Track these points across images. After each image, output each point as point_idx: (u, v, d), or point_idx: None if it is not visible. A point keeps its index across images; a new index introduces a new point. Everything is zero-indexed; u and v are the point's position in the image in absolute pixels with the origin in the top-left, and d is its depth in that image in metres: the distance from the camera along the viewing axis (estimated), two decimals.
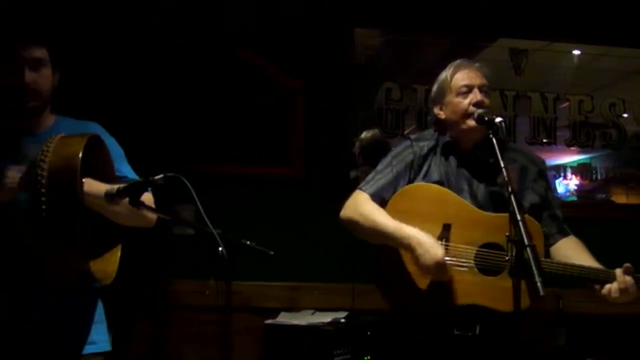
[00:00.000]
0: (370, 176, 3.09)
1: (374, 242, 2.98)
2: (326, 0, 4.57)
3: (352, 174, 4.51)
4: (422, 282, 2.88)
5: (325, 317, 3.98)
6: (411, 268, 2.90)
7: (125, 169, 2.78)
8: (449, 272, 2.79)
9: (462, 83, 2.99)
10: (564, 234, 3.04)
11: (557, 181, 4.84)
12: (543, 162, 3.16)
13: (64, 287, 2.53)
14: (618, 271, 2.77)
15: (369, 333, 3.90)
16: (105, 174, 2.60)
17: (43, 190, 2.30)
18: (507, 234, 2.58)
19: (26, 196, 2.38)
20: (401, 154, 3.07)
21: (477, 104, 2.93)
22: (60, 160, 2.34)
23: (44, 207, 2.29)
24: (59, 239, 2.33)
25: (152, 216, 2.72)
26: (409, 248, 2.81)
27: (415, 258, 2.79)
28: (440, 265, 2.74)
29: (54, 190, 2.30)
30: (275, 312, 4.13)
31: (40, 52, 2.65)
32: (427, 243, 2.77)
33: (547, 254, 2.93)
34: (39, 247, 2.36)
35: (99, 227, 2.57)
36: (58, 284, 2.48)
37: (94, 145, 2.47)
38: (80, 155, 2.35)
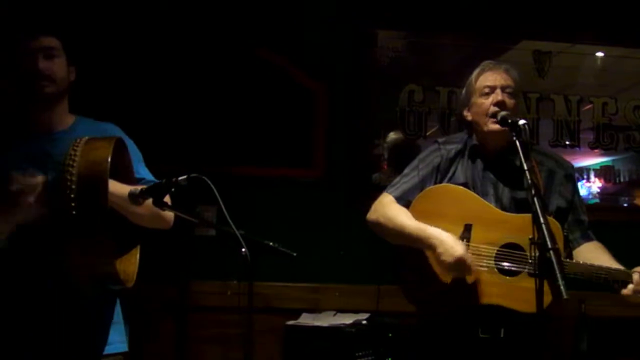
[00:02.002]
0: (396, 179, 3.13)
1: (397, 242, 3.01)
2: (349, 2, 4.57)
3: (374, 177, 4.51)
4: (443, 282, 2.90)
5: (347, 319, 3.97)
6: (434, 268, 2.92)
7: (143, 171, 2.80)
8: (471, 269, 2.80)
9: (484, 84, 3.01)
10: (587, 239, 3.04)
11: (579, 184, 4.81)
12: (571, 166, 3.17)
13: (90, 288, 2.55)
14: (636, 275, 2.78)
15: (390, 335, 3.89)
16: (125, 175, 2.62)
17: (72, 195, 2.31)
18: (530, 236, 2.58)
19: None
20: (428, 157, 3.11)
21: (498, 104, 2.93)
22: (88, 164, 2.35)
23: (73, 212, 2.30)
24: (88, 242, 2.34)
25: (171, 218, 2.75)
26: (431, 247, 2.85)
27: (437, 256, 2.81)
28: (461, 262, 2.77)
29: (83, 194, 2.31)
30: (297, 313, 4.13)
31: (51, 42, 2.69)
32: (448, 241, 2.81)
33: (569, 257, 2.92)
34: (68, 251, 2.37)
35: (119, 228, 2.58)
36: (85, 286, 2.49)
37: (118, 148, 2.49)
38: (109, 160, 2.37)
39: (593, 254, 2.95)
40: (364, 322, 3.95)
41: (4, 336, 2.53)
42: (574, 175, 3.16)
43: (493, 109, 2.94)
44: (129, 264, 2.62)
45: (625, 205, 4.86)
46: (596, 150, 4.82)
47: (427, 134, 4.62)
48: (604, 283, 2.82)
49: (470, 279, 2.86)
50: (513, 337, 2.87)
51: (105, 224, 2.34)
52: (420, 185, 3.06)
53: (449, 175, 3.05)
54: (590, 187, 4.86)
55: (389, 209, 3.03)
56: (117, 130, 2.80)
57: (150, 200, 2.39)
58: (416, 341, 3.17)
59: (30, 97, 2.67)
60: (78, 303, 2.58)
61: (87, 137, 2.47)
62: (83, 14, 4.21)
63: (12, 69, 2.67)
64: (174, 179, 2.38)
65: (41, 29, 2.71)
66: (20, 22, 2.76)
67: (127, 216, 2.59)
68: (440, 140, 3.20)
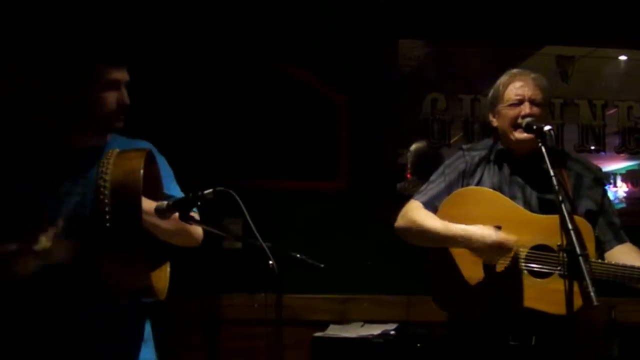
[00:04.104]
0: (423, 186, 3.16)
1: (427, 246, 3.03)
2: (370, 12, 4.57)
3: (399, 186, 4.50)
4: (475, 286, 2.91)
5: (375, 330, 3.97)
6: (464, 272, 2.93)
7: (174, 189, 2.77)
8: (508, 245, 2.80)
9: (513, 94, 3.02)
10: (620, 240, 3.03)
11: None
12: (599, 170, 3.18)
13: (123, 301, 2.53)
14: None
15: (419, 345, 3.88)
16: (154, 190, 2.61)
17: (106, 201, 2.30)
18: (558, 243, 2.58)
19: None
20: (453, 163, 3.13)
21: (526, 117, 2.94)
22: (122, 173, 2.33)
23: (107, 221, 2.29)
24: (124, 255, 2.32)
25: (199, 235, 2.73)
26: (462, 243, 2.86)
27: (473, 250, 2.82)
28: (497, 244, 2.78)
29: (116, 203, 2.29)
30: (324, 325, 4.13)
31: (127, 75, 2.66)
32: (476, 231, 2.84)
33: (601, 258, 2.91)
34: (102, 264, 2.35)
35: (149, 244, 2.57)
36: (119, 298, 2.48)
37: (148, 161, 2.48)
38: (142, 169, 2.35)
39: (627, 256, 2.93)
40: (392, 332, 3.95)
41: (34, 351, 2.53)
42: (602, 179, 3.17)
43: (520, 120, 2.94)
44: (159, 280, 2.60)
45: None
46: (622, 155, 4.78)
47: (451, 141, 4.61)
48: (633, 284, 2.81)
49: (505, 280, 2.86)
50: (544, 345, 2.86)
51: (140, 236, 2.33)
52: (447, 191, 3.08)
53: (475, 181, 3.07)
54: (616, 192, 4.82)
55: (416, 214, 3.05)
56: (151, 147, 2.78)
57: (177, 217, 2.39)
58: (446, 350, 3.18)
59: (98, 128, 2.61)
60: (109, 321, 2.57)
61: (118, 149, 2.47)
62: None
63: (79, 94, 2.56)
64: (200, 193, 2.38)
65: (123, 59, 2.67)
66: (107, 51, 2.70)
67: (155, 233, 2.58)
68: (464, 147, 3.23)
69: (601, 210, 3.04)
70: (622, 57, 4.86)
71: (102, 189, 2.31)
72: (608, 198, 3.14)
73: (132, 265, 2.34)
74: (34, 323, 2.50)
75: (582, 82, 4.77)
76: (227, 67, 4.48)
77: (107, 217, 2.28)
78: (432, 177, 3.17)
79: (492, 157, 3.10)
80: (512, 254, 2.84)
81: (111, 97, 2.58)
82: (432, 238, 2.96)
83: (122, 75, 2.62)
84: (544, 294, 2.81)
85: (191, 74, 4.42)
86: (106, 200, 2.30)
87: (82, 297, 2.51)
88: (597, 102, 4.75)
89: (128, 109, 2.62)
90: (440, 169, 3.16)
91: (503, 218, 2.92)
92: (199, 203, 2.43)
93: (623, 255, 2.94)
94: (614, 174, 4.83)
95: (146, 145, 2.74)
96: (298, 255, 2.51)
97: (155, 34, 4.37)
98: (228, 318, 4.27)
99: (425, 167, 3.23)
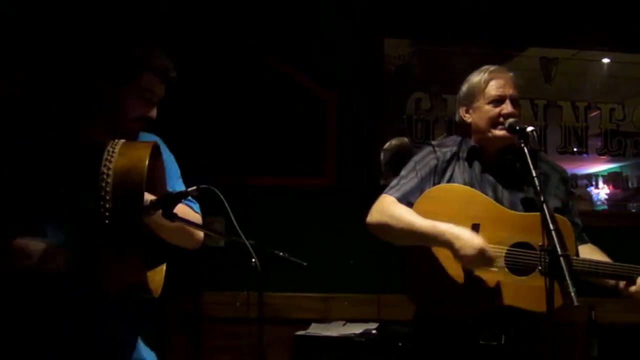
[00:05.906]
0: (395, 181, 3.04)
1: (405, 243, 2.94)
2: (356, 11, 4.59)
3: (381, 181, 4.50)
4: (453, 283, 2.87)
5: (357, 328, 3.98)
6: (442, 268, 2.89)
7: (179, 188, 2.73)
8: (493, 259, 2.78)
9: (495, 92, 2.98)
10: (582, 240, 3.04)
11: (588, 190, 4.81)
12: (565, 170, 3.17)
13: (116, 295, 2.48)
14: None
15: (400, 344, 3.89)
16: (157, 187, 2.53)
17: (108, 189, 2.21)
18: (540, 243, 2.57)
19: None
20: (424, 159, 3.05)
21: (508, 116, 2.93)
22: (126, 161, 2.27)
23: (107, 209, 2.20)
24: (120, 243, 2.23)
25: (200, 236, 2.70)
26: (447, 243, 2.78)
27: (455, 252, 2.75)
28: (483, 252, 2.72)
29: (118, 191, 2.22)
30: (306, 323, 4.13)
31: (163, 92, 2.68)
32: (465, 234, 2.76)
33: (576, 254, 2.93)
34: (100, 256, 2.26)
35: (150, 241, 2.53)
36: (112, 291, 2.43)
37: (153, 155, 2.41)
38: (147, 158, 2.29)
39: (589, 255, 2.94)
40: (374, 331, 3.96)
41: (30, 346, 2.47)
42: (568, 179, 3.17)
43: (502, 119, 2.94)
44: (155, 274, 2.56)
45: (634, 211, 4.85)
46: (604, 157, 4.82)
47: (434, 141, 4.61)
48: (610, 278, 2.84)
49: (485, 277, 2.84)
50: (514, 344, 2.86)
51: (139, 227, 2.26)
52: (420, 186, 2.98)
53: (446, 178, 3.00)
54: (598, 194, 4.85)
55: (394, 209, 2.94)
56: (160, 142, 2.74)
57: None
58: (416, 347, 3.15)
59: (115, 130, 2.57)
60: (107, 316, 2.53)
61: (124, 140, 2.39)
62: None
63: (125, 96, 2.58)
64: (183, 190, 2.36)
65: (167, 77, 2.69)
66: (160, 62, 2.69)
67: (156, 230, 2.52)
68: (434, 142, 3.15)
69: (566, 209, 3.04)
70: (605, 60, 4.89)
71: (104, 176, 2.24)
72: (572, 198, 3.17)
73: (128, 256, 2.26)
74: (30, 317, 2.46)
75: (565, 84, 4.80)
76: (215, 63, 4.49)
77: (107, 205, 2.20)
78: (403, 172, 3.06)
79: (462, 153, 3.06)
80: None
81: (139, 105, 2.59)
82: (411, 235, 2.87)
83: (159, 90, 2.64)
84: (526, 292, 2.79)
85: (180, 70, 4.40)
86: (107, 188, 2.23)
87: (78, 288, 2.46)
88: (580, 104, 4.79)
89: (151, 121, 2.63)
90: (411, 164, 3.07)
91: (481, 216, 2.89)
92: (182, 200, 2.41)
93: (586, 254, 2.95)
94: (595, 176, 4.86)
95: (154, 138, 2.71)
96: (281, 254, 2.50)
97: (145, 28, 4.36)
98: (210, 316, 4.26)
99: (400, 164, 3.16)
